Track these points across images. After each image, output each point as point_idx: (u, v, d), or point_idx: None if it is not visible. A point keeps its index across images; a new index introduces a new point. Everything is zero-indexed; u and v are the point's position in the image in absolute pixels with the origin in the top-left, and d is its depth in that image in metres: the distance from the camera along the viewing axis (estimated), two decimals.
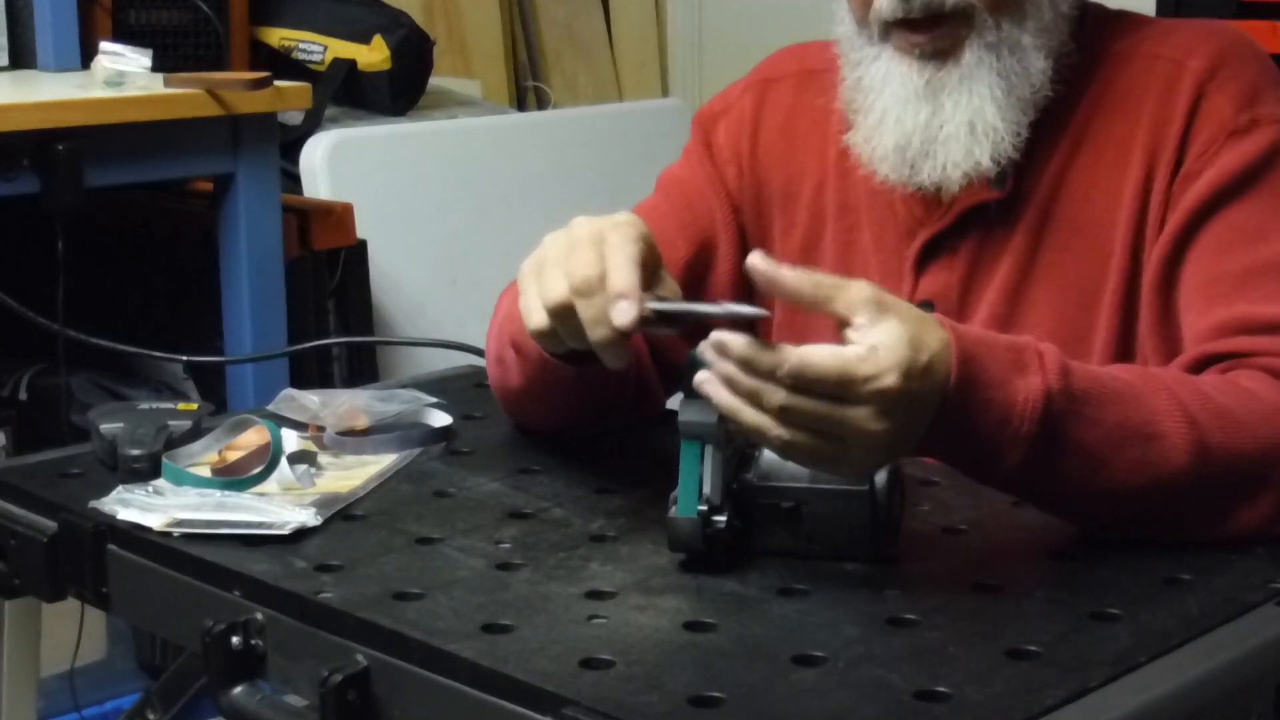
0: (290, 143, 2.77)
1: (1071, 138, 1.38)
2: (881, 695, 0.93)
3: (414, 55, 3.01)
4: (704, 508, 1.10)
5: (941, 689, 0.93)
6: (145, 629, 2.24)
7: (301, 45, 2.99)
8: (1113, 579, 1.10)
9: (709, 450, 1.10)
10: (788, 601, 1.07)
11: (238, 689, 1.07)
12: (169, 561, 1.16)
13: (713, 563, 1.11)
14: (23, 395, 2.57)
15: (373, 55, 2.96)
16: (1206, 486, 1.14)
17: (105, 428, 1.33)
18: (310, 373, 2.52)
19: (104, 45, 2.34)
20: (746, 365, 1.02)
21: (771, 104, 1.52)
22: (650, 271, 1.15)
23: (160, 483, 1.26)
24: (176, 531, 1.18)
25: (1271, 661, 1.02)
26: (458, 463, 1.37)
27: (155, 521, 1.18)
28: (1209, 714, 0.98)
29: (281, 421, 1.39)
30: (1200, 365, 1.25)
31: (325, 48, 2.98)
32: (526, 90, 3.88)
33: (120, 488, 1.24)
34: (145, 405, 1.40)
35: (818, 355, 1.02)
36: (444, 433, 1.42)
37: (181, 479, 1.26)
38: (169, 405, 1.40)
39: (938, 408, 1.06)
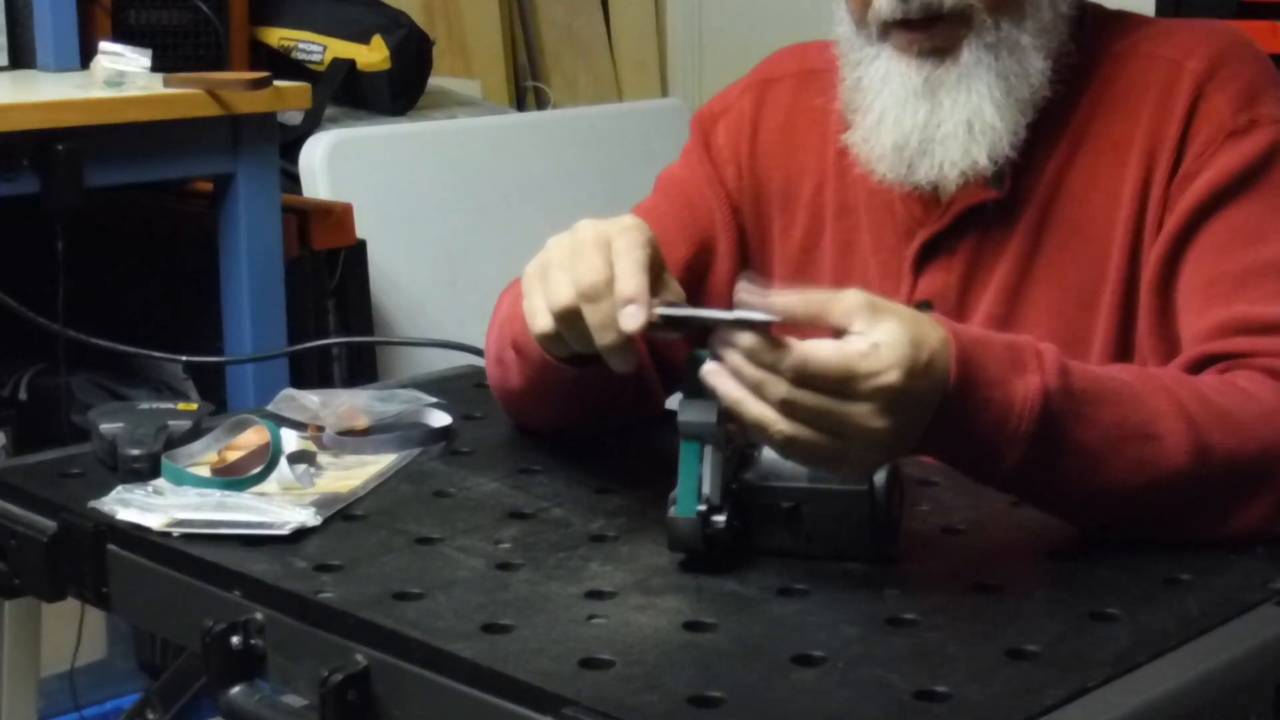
0: (290, 143, 2.77)
1: (1070, 138, 1.38)
2: (881, 695, 0.93)
3: (414, 55, 3.01)
4: (704, 508, 1.10)
5: (941, 689, 0.93)
6: (145, 629, 2.24)
7: (301, 45, 2.99)
8: (1112, 579, 1.10)
9: (709, 450, 1.10)
10: (788, 601, 1.07)
11: (237, 689, 1.07)
12: (169, 561, 1.16)
13: (713, 563, 1.11)
14: (23, 395, 2.57)
15: (372, 55, 2.96)
16: (1205, 487, 1.14)
17: (105, 428, 1.33)
18: (310, 373, 2.52)
19: (104, 45, 2.34)
20: (752, 357, 1.03)
21: (771, 104, 1.52)
22: (655, 275, 1.15)
23: (160, 483, 1.27)
24: (176, 531, 1.18)
25: (1271, 661, 1.02)
26: (458, 463, 1.37)
27: (155, 521, 1.19)
28: (1209, 714, 0.98)
29: (281, 421, 1.39)
30: (1199, 365, 1.25)
31: (325, 48, 2.98)
32: (526, 90, 3.88)
33: (120, 488, 1.24)
34: (145, 405, 1.40)
35: (821, 350, 1.02)
36: (444, 433, 1.42)
37: (181, 479, 1.26)
38: (169, 405, 1.40)
39: (938, 406, 1.06)
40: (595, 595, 1.07)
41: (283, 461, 1.28)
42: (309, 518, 1.19)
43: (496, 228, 2.97)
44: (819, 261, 1.48)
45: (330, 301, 2.63)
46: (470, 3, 3.74)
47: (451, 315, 2.87)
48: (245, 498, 1.23)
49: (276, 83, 2.33)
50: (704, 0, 4.14)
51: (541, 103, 3.87)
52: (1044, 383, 1.09)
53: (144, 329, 2.54)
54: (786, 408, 1.03)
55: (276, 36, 2.99)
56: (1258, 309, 1.25)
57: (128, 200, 2.62)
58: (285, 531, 1.17)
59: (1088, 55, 1.39)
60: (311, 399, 1.43)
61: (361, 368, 2.69)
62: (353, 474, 1.32)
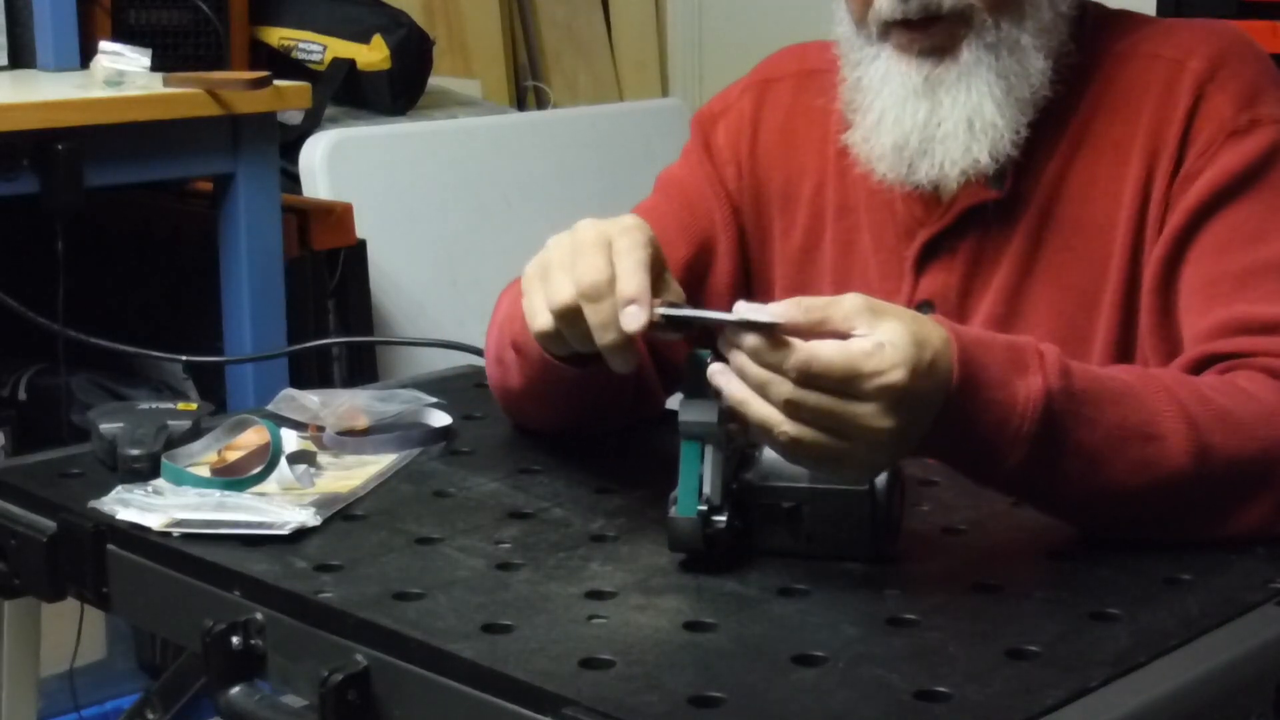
0: (290, 143, 2.77)
1: (1071, 138, 1.38)
2: (881, 695, 0.93)
3: (414, 55, 3.01)
4: (704, 508, 1.10)
5: (941, 689, 0.93)
6: (145, 629, 2.24)
7: (301, 45, 2.99)
8: (1113, 579, 1.10)
9: (709, 450, 1.10)
10: (788, 601, 1.07)
11: (237, 689, 1.07)
12: (169, 561, 1.16)
13: (713, 563, 1.11)
14: (23, 395, 2.57)
15: (372, 55, 2.96)
16: (1206, 487, 1.14)
17: (105, 428, 1.33)
18: (310, 373, 2.52)
19: (104, 45, 2.34)
20: (756, 358, 1.03)
21: (771, 104, 1.52)
22: (656, 275, 1.14)
23: (160, 483, 1.26)
24: (176, 531, 1.18)
25: (1271, 661, 1.02)
26: (458, 463, 1.37)
27: (155, 521, 1.18)
28: (1209, 714, 0.98)
29: (281, 421, 1.39)
30: (1200, 365, 1.25)
31: (325, 47, 2.98)
32: (526, 90, 3.88)
33: (120, 488, 1.24)
34: (145, 405, 1.40)
35: (825, 350, 1.02)
36: (444, 433, 1.42)
37: (181, 479, 1.26)
38: (169, 405, 1.40)
39: (941, 406, 1.06)
40: (595, 595, 1.07)
41: (283, 461, 1.28)
42: (309, 518, 1.19)
43: (496, 228, 2.97)
44: (819, 262, 1.48)
45: (330, 301, 2.63)
46: (470, 3, 3.74)
47: (451, 315, 2.87)
48: (245, 498, 1.23)
49: (276, 82, 2.33)
50: (704, 0, 4.14)
51: (541, 103, 3.88)
52: (1046, 383, 1.09)
53: (144, 329, 2.54)
54: (791, 408, 1.03)
55: (276, 36, 2.99)
56: (1259, 308, 1.25)
57: (128, 200, 2.62)
58: (285, 531, 1.17)
59: (1088, 55, 1.39)
60: (311, 399, 1.43)
61: (361, 368, 2.69)
62: (353, 474, 1.32)
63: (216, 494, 1.23)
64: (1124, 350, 1.35)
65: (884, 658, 0.97)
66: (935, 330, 1.06)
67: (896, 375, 1.02)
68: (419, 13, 3.45)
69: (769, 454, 1.11)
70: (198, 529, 1.18)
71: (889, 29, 1.35)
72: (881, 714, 0.91)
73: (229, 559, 1.13)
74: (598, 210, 1.24)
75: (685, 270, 1.45)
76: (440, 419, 1.44)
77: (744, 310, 1.03)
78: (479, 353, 1.65)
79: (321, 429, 1.40)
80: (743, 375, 1.04)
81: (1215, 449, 1.14)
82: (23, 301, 2.16)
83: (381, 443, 1.38)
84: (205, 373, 2.48)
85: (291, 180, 2.77)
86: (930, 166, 1.36)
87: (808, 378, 1.02)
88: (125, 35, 2.57)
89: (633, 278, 1.11)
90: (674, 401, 1.21)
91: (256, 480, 1.26)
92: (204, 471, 1.29)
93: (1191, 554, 1.13)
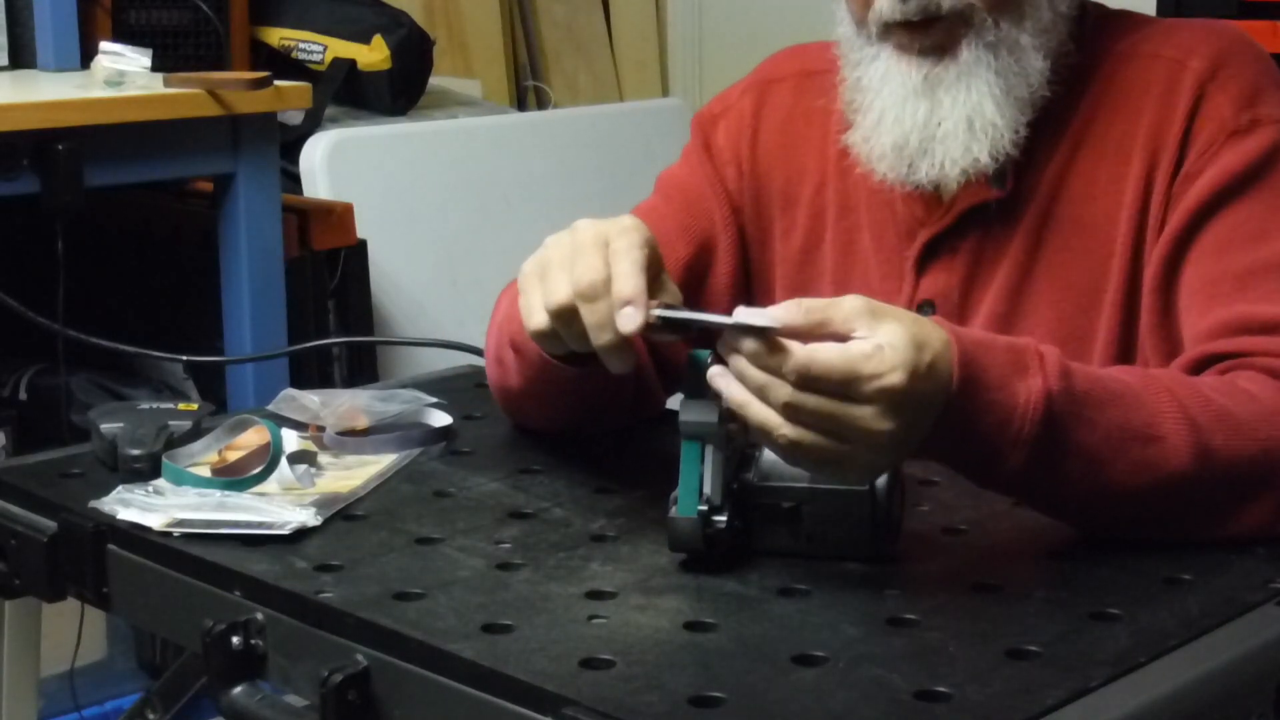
0: (290, 143, 2.77)
1: (1072, 138, 1.38)
2: (881, 695, 0.93)
3: (414, 55, 3.01)
4: (704, 508, 1.10)
5: (941, 689, 0.93)
6: (145, 629, 2.24)
7: (301, 45, 2.99)
8: (1113, 579, 1.10)
9: (709, 450, 1.10)
10: (788, 601, 1.07)
11: (238, 689, 1.07)
12: (169, 561, 1.16)
13: (713, 563, 1.11)
14: (23, 395, 2.57)
15: (373, 55, 2.96)
16: (1207, 488, 1.14)
17: (105, 428, 1.33)
18: (310, 373, 2.52)
19: (104, 45, 2.34)
20: (755, 361, 1.03)
21: (771, 105, 1.52)
22: (653, 276, 1.14)
23: (160, 483, 1.26)
24: (176, 531, 1.18)
25: (1271, 661, 1.02)
26: (458, 463, 1.37)
27: (155, 521, 1.18)
28: (1209, 714, 0.98)
29: (281, 421, 1.39)
30: (1200, 365, 1.25)
31: (325, 47, 2.98)
32: (526, 90, 3.88)
33: (120, 488, 1.24)
34: (145, 405, 1.40)
35: (824, 353, 1.02)
36: (444, 433, 1.42)
37: (181, 479, 1.26)
38: (169, 405, 1.40)
39: (941, 408, 1.06)
40: (595, 595, 1.07)
41: (283, 461, 1.28)
42: (309, 518, 1.19)
43: (496, 228, 2.97)
44: (820, 262, 1.48)
45: (330, 301, 2.63)
46: (470, 3, 3.74)
47: (451, 315, 2.87)
48: (245, 498, 1.23)
49: (277, 82, 2.33)
50: (704, 0, 4.14)
51: (542, 103, 3.88)
52: (1046, 385, 1.09)
53: (144, 329, 2.53)
54: (790, 411, 1.03)
55: (277, 36, 2.99)
56: (1259, 308, 1.25)
57: (128, 200, 2.62)
58: (285, 531, 1.17)
59: (1089, 55, 1.39)
60: (312, 399, 1.43)
61: (361, 368, 2.69)
62: (353, 474, 1.32)
63: (217, 494, 1.23)
64: (1125, 350, 1.35)
65: (884, 658, 0.97)
66: (935, 332, 1.06)
67: (896, 378, 1.02)
68: (419, 13, 3.45)
69: (769, 454, 1.11)
70: (198, 529, 1.18)
71: (889, 29, 1.35)
72: (881, 714, 0.91)
73: (229, 559, 1.13)
74: (598, 210, 1.24)
75: (685, 271, 1.45)
76: (440, 419, 1.44)
77: (741, 314, 1.03)
78: (479, 353, 1.65)
79: (322, 429, 1.40)
80: (742, 378, 1.04)
81: (1216, 450, 1.14)
82: (23, 301, 2.16)
83: (382, 443, 1.38)
84: (205, 373, 2.48)
85: (292, 180, 2.77)
86: (930, 166, 1.36)
87: (807, 381, 1.02)
88: (125, 35, 2.57)
89: (629, 279, 1.11)
90: (674, 401, 1.21)
91: (257, 480, 1.26)
92: (204, 471, 1.29)
93: (1191, 554, 1.13)
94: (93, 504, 1.22)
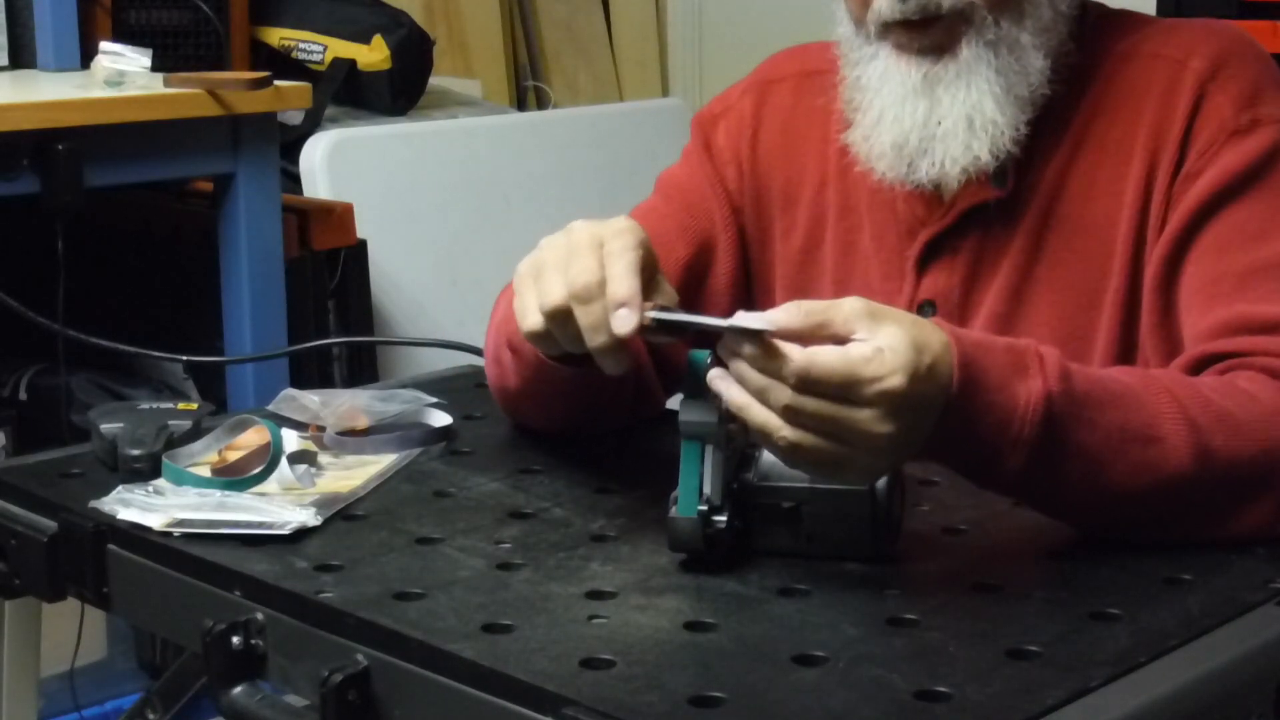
0: (290, 143, 2.77)
1: (1072, 137, 1.38)
2: (881, 695, 0.93)
3: (414, 55, 3.01)
4: (704, 508, 1.10)
5: (941, 689, 0.93)
6: (145, 629, 2.24)
7: (301, 45, 2.99)
8: (1113, 579, 1.10)
9: (709, 450, 1.10)
10: (788, 601, 1.07)
11: (238, 689, 1.07)
12: (169, 561, 1.16)
13: (713, 563, 1.11)
14: (23, 395, 2.57)
15: (373, 55, 2.96)
16: (1207, 489, 1.14)
17: (105, 428, 1.33)
18: (310, 373, 2.52)
19: (104, 45, 2.34)
20: (755, 364, 1.03)
21: (772, 105, 1.52)
22: (648, 278, 1.14)
23: (160, 483, 1.26)
24: (177, 531, 1.18)
25: (1271, 661, 1.02)
26: (458, 463, 1.37)
27: (155, 521, 1.18)
28: (1209, 714, 0.98)
29: (281, 421, 1.39)
30: (1200, 365, 1.25)
31: (325, 47, 2.98)
32: (526, 90, 3.88)
33: (120, 488, 1.24)
34: (145, 405, 1.40)
35: (824, 356, 1.02)
36: (444, 433, 1.42)
37: (181, 479, 1.26)
38: (169, 405, 1.40)
39: (941, 410, 1.06)
40: (596, 595, 1.07)
41: (283, 461, 1.28)
42: (309, 518, 1.19)
43: (496, 228, 2.97)
44: (820, 263, 1.48)
45: (330, 301, 2.63)
46: (470, 2, 3.74)
47: (451, 315, 2.87)
48: (245, 498, 1.23)
49: (277, 83, 2.33)
50: (704, 0, 4.14)
51: (542, 103, 3.88)
52: (1046, 386, 1.09)
53: (144, 329, 2.53)
54: (790, 414, 1.03)
55: (277, 36, 2.99)
56: (1260, 308, 1.25)
57: (128, 200, 2.62)
58: (285, 531, 1.17)
59: (1089, 54, 1.39)
60: (312, 399, 1.43)
61: (361, 368, 2.68)
62: (353, 474, 1.32)
63: (217, 494, 1.23)
64: (1125, 349, 1.35)
65: (884, 658, 0.97)
66: (935, 334, 1.06)
67: (895, 380, 1.02)
68: (419, 13, 3.45)
69: (769, 454, 1.11)
70: (198, 529, 1.18)
71: (888, 28, 1.35)
72: (881, 714, 0.91)
73: (229, 559, 1.13)
74: (598, 210, 1.24)
75: (685, 271, 1.45)
76: (440, 419, 1.44)
77: (740, 318, 1.03)
78: (479, 353, 1.65)
79: (322, 429, 1.40)
80: (742, 381, 1.04)
81: (1216, 450, 1.14)
82: (23, 301, 2.16)
83: (382, 443, 1.38)
84: (205, 373, 2.48)
85: (292, 180, 2.77)
86: (931, 165, 1.36)
87: (807, 383, 1.02)
88: (125, 35, 2.57)
89: (624, 280, 1.11)
90: (674, 401, 1.21)
91: (257, 480, 1.26)
92: (204, 471, 1.29)
93: (1191, 554, 1.13)
94: (93, 504, 1.22)
